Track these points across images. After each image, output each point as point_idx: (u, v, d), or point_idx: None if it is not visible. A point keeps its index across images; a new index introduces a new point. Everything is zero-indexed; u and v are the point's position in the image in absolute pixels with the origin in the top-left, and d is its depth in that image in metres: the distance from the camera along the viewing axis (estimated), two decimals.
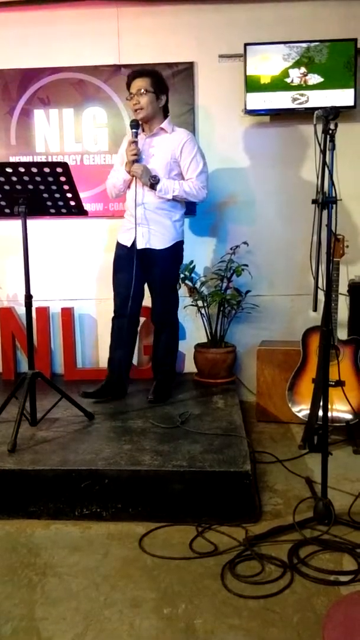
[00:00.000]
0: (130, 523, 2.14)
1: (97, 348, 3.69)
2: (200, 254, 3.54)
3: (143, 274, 2.94)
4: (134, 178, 2.84)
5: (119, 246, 3.00)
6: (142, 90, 2.78)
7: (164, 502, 2.17)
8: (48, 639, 1.56)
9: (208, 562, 1.90)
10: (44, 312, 3.58)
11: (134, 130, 2.79)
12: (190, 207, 3.51)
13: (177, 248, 3.00)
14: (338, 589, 1.74)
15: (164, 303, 3.01)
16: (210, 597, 1.72)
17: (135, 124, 2.80)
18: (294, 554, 1.90)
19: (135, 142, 2.81)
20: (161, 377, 3.11)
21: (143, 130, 2.93)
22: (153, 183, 2.78)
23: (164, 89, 2.88)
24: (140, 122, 2.85)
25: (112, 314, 3.10)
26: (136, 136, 2.79)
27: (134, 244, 2.91)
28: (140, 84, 2.79)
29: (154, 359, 3.20)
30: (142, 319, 3.62)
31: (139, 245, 2.90)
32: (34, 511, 2.19)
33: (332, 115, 1.99)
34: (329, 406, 2.28)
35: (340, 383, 2.74)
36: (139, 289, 2.99)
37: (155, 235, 2.90)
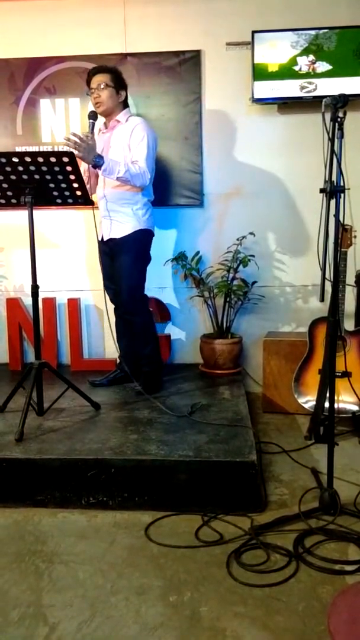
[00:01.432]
0: (136, 512, 2.16)
1: (103, 338, 3.70)
2: (207, 244, 3.53)
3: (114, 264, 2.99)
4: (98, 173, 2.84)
5: (98, 241, 3.04)
6: (102, 85, 2.84)
7: (170, 491, 2.18)
8: (55, 626, 1.58)
9: (214, 550, 1.91)
10: (50, 302, 3.59)
11: (90, 121, 2.77)
12: (192, 196, 3.50)
13: (138, 236, 2.93)
14: (343, 578, 1.75)
15: (129, 292, 2.94)
16: (215, 585, 1.73)
17: (92, 115, 2.79)
18: (300, 544, 1.91)
19: (92, 134, 2.74)
20: (148, 370, 3.05)
21: (106, 127, 2.97)
22: (97, 163, 2.69)
23: (123, 85, 2.93)
24: (98, 115, 2.84)
25: None
26: (92, 126, 2.77)
27: (103, 236, 2.98)
28: (100, 79, 2.84)
29: (129, 352, 3.10)
30: None
31: (105, 237, 2.96)
32: (41, 500, 2.21)
33: (341, 103, 1.96)
34: (335, 397, 2.28)
35: (346, 374, 2.73)
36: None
37: (116, 225, 2.91)
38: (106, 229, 2.96)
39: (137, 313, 2.99)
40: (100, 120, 2.94)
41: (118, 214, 2.91)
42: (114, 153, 2.86)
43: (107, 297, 3.11)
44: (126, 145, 2.86)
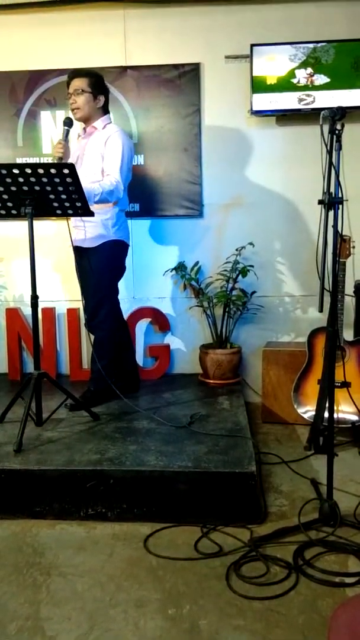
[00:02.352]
0: (135, 523, 2.14)
1: None
2: (206, 254, 3.54)
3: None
4: None
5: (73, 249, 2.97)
6: (79, 90, 2.77)
7: (169, 502, 2.17)
8: (53, 639, 1.57)
9: (213, 562, 1.89)
10: (50, 312, 3.59)
11: (65, 128, 2.73)
12: (191, 207, 3.52)
13: (107, 248, 2.87)
14: (343, 591, 1.74)
15: (93, 305, 2.91)
16: (215, 597, 1.72)
17: (68, 122, 2.75)
18: (299, 556, 1.90)
19: (66, 141, 2.74)
20: (92, 388, 2.97)
21: (84, 133, 2.91)
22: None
23: (102, 90, 2.85)
24: (73, 122, 2.80)
25: None
26: (67, 134, 2.73)
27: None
28: (77, 83, 2.77)
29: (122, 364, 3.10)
30: (145, 321, 3.65)
31: (76, 244, 2.89)
32: (40, 511, 2.20)
33: (339, 115, 1.98)
34: (335, 407, 2.27)
35: (346, 384, 2.73)
36: None
37: (88, 234, 2.87)
38: (79, 237, 2.89)
39: (97, 327, 2.93)
40: (78, 125, 2.90)
41: (89, 224, 2.84)
42: (88, 161, 2.82)
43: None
44: (99, 154, 2.80)
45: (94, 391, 2.98)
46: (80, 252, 2.91)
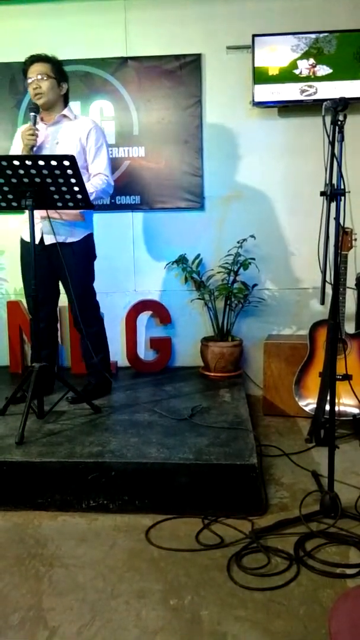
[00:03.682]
0: (136, 515, 2.15)
1: None
2: (207, 247, 3.53)
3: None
4: None
5: (30, 244, 2.82)
6: (44, 76, 2.67)
7: (170, 494, 2.18)
8: (55, 629, 1.58)
9: (214, 554, 1.90)
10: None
11: (33, 114, 2.64)
12: (192, 199, 3.51)
13: (88, 241, 2.89)
14: (344, 582, 1.74)
15: (83, 302, 2.88)
16: (216, 588, 1.73)
17: (35, 108, 2.66)
18: (300, 547, 1.91)
19: (35, 128, 2.64)
20: (94, 382, 2.98)
21: (42, 119, 2.78)
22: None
23: (65, 77, 2.78)
24: (39, 107, 2.70)
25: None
26: (35, 119, 2.65)
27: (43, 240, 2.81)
28: (41, 68, 2.67)
29: (52, 363, 3.03)
30: (146, 314, 3.64)
31: (47, 241, 2.78)
32: (42, 503, 2.21)
33: (341, 106, 1.97)
34: (336, 400, 2.28)
35: (347, 377, 2.73)
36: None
37: (63, 229, 2.79)
38: (48, 233, 2.72)
39: (92, 323, 2.91)
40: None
41: (67, 216, 2.75)
42: (64, 149, 2.72)
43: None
44: (80, 145, 2.73)
45: (95, 384, 2.98)
46: (48, 248, 2.76)
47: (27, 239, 2.78)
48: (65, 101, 2.84)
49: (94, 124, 2.82)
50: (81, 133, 2.76)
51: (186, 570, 1.82)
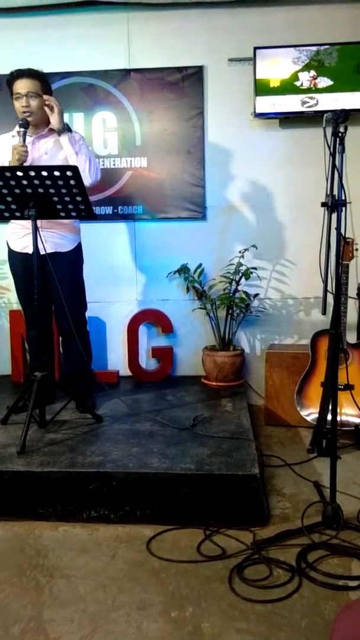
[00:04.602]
0: (137, 526, 2.14)
1: (105, 350, 3.70)
2: (209, 257, 3.54)
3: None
4: None
5: (22, 254, 2.87)
6: (34, 93, 2.66)
7: (171, 505, 2.17)
8: None
9: (216, 565, 1.89)
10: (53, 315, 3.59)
11: (22, 130, 2.63)
12: (194, 209, 3.52)
13: (78, 250, 2.93)
14: (347, 594, 1.73)
15: (77, 311, 2.92)
16: (217, 600, 1.72)
17: (25, 124, 2.64)
18: (302, 559, 1.89)
19: (24, 143, 2.64)
20: (83, 388, 2.97)
21: (40, 134, 2.78)
22: (64, 129, 2.70)
23: (51, 92, 2.79)
24: (29, 124, 2.68)
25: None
26: (24, 135, 2.64)
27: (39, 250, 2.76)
28: (31, 86, 2.65)
29: (51, 369, 3.04)
30: (148, 323, 3.65)
31: (43, 251, 2.70)
32: (43, 513, 2.20)
33: (342, 118, 1.99)
34: (338, 410, 2.27)
35: (349, 387, 2.72)
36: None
37: (58, 238, 2.82)
38: (40, 243, 2.63)
39: (82, 332, 2.93)
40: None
41: (60, 226, 2.78)
42: (51, 161, 2.73)
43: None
44: (67, 155, 2.74)
45: (86, 390, 2.97)
46: (42, 258, 2.69)
47: (16, 249, 2.86)
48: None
49: (76, 133, 2.82)
50: (67, 145, 2.74)
51: (187, 582, 1.81)
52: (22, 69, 2.70)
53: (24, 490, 2.21)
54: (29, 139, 2.73)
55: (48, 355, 2.98)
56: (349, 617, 1.21)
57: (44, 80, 2.73)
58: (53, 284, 2.76)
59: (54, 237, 2.79)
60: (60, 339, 3.05)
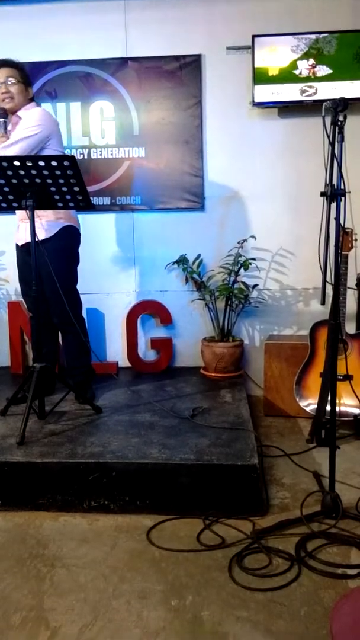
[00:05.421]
0: (137, 515, 2.15)
1: (105, 342, 3.70)
2: (208, 247, 3.54)
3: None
4: None
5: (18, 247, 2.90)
6: (13, 80, 2.67)
7: (171, 494, 2.18)
8: (56, 630, 1.58)
9: (215, 554, 1.90)
10: None
11: (2, 120, 2.64)
12: (193, 200, 3.51)
13: (63, 235, 2.83)
14: (345, 582, 1.74)
15: (65, 299, 2.80)
16: (217, 589, 1.73)
17: (4, 114, 2.65)
18: (302, 547, 1.90)
19: (6, 133, 2.64)
20: (82, 379, 2.94)
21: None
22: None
23: (30, 83, 2.78)
24: (8, 113, 2.69)
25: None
26: (5, 125, 2.64)
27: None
28: (9, 73, 2.67)
29: (52, 360, 3.03)
30: (147, 314, 3.64)
31: (24, 241, 2.81)
32: (43, 503, 2.21)
33: (341, 106, 1.97)
34: (337, 400, 2.28)
35: (348, 377, 2.73)
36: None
37: (40, 225, 2.76)
38: (24, 233, 2.71)
39: (70, 324, 2.80)
40: None
41: (46, 218, 2.75)
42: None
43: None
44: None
45: (84, 381, 2.95)
46: (25, 248, 2.74)
47: (15, 241, 2.88)
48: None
49: (35, 108, 2.74)
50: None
51: (187, 571, 1.82)
52: (1, 59, 2.71)
53: (24, 481, 2.22)
54: (10, 129, 2.71)
55: (48, 347, 2.97)
56: (348, 605, 1.22)
57: (20, 68, 2.72)
58: (43, 272, 2.71)
59: (40, 227, 2.73)
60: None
